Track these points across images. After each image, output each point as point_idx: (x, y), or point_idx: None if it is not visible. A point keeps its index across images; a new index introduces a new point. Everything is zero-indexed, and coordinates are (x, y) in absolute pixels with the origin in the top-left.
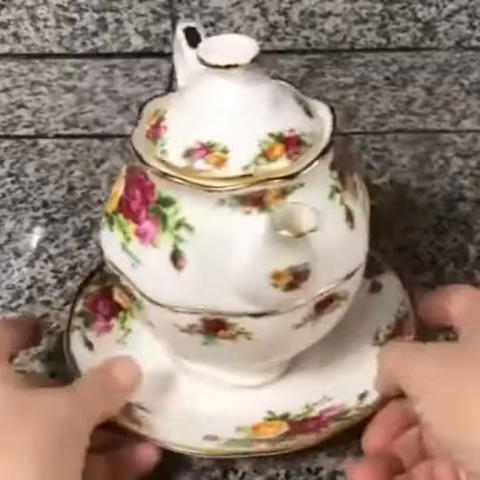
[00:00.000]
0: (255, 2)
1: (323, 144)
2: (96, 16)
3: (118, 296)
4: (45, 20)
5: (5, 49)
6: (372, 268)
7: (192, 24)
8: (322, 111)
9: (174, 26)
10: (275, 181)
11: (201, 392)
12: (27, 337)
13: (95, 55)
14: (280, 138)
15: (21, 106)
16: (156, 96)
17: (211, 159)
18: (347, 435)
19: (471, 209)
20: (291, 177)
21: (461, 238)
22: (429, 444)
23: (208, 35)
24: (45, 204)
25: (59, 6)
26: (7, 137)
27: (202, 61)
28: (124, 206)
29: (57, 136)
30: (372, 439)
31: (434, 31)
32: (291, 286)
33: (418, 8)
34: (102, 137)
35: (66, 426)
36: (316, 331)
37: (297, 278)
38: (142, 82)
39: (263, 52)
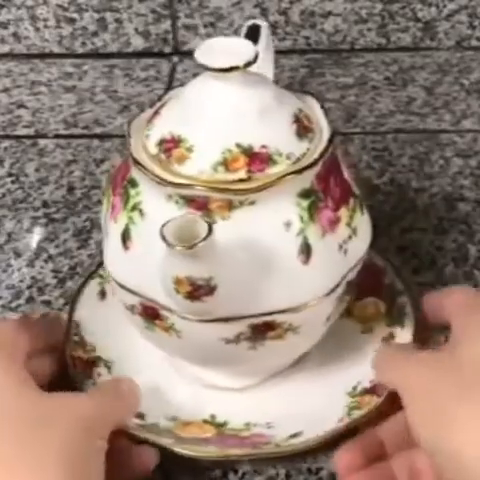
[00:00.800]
0: (255, 2)
1: (291, 169)
2: (96, 16)
3: None
4: (45, 20)
5: (5, 49)
6: (396, 320)
7: (259, 22)
8: (324, 134)
9: (174, 26)
10: (219, 193)
11: (171, 378)
12: (45, 336)
13: (95, 55)
14: (247, 151)
15: (21, 106)
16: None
17: (175, 154)
18: (347, 436)
19: (471, 209)
20: (236, 192)
21: (461, 238)
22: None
23: (208, 35)
24: (45, 204)
25: (59, 6)
26: (7, 137)
27: (197, 62)
28: (113, 179)
29: (57, 136)
30: (344, 456)
31: (434, 31)
32: (191, 296)
33: (418, 8)
34: (102, 137)
35: (89, 431)
36: (264, 354)
37: (197, 290)
38: (142, 82)
39: None
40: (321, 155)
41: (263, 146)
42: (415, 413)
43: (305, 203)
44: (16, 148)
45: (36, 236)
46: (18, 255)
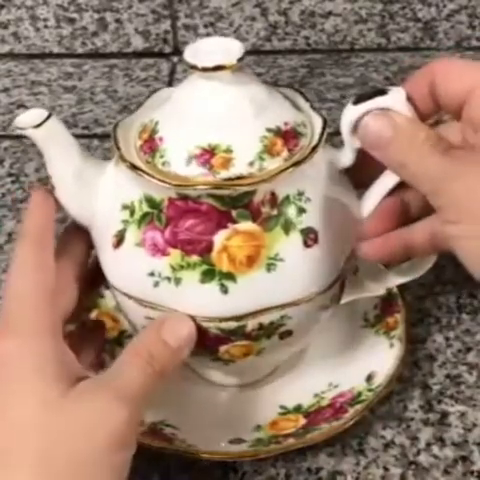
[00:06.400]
0: (255, 2)
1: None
2: (96, 16)
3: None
4: (45, 20)
5: (5, 49)
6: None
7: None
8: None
9: (174, 26)
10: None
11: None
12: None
13: (95, 55)
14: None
15: (21, 106)
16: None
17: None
18: (346, 434)
19: None
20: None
21: None
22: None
23: (208, 35)
24: None
25: (59, 6)
26: (7, 137)
27: (190, 64)
28: None
29: None
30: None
31: (434, 31)
32: None
33: (418, 8)
34: (102, 137)
35: (113, 450)
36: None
37: None
38: (142, 82)
39: (263, 52)
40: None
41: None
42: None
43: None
44: (16, 148)
45: None
46: None
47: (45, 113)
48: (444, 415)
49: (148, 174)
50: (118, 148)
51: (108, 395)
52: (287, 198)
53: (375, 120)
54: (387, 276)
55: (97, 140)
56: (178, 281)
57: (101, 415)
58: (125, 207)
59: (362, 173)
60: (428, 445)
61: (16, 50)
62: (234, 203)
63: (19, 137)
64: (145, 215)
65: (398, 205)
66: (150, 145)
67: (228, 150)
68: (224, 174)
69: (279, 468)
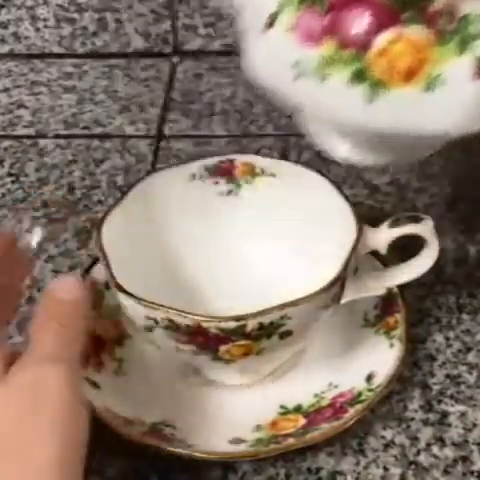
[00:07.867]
0: None
1: None
2: (96, 16)
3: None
4: (45, 20)
5: (5, 49)
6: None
7: None
8: None
9: (174, 26)
10: None
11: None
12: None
13: (95, 55)
14: None
15: (21, 106)
16: None
17: None
18: (346, 434)
19: (471, 209)
20: None
21: (461, 238)
22: None
23: (208, 35)
24: (45, 204)
25: (59, 6)
26: (7, 137)
27: None
28: None
29: (57, 136)
30: None
31: None
32: None
33: None
34: (102, 137)
35: (60, 418)
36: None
37: None
38: (142, 82)
39: None
40: None
41: None
42: None
43: None
44: (16, 148)
45: (36, 236)
46: None
47: None
48: (444, 415)
49: None
50: None
51: (38, 365)
52: (468, 16)
53: None
54: (387, 276)
55: (97, 140)
56: (324, 77)
57: (39, 385)
58: None
59: None
60: (428, 445)
61: (16, 50)
62: (408, 3)
63: (19, 137)
64: None
65: None
66: None
67: None
68: None
69: (279, 468)
